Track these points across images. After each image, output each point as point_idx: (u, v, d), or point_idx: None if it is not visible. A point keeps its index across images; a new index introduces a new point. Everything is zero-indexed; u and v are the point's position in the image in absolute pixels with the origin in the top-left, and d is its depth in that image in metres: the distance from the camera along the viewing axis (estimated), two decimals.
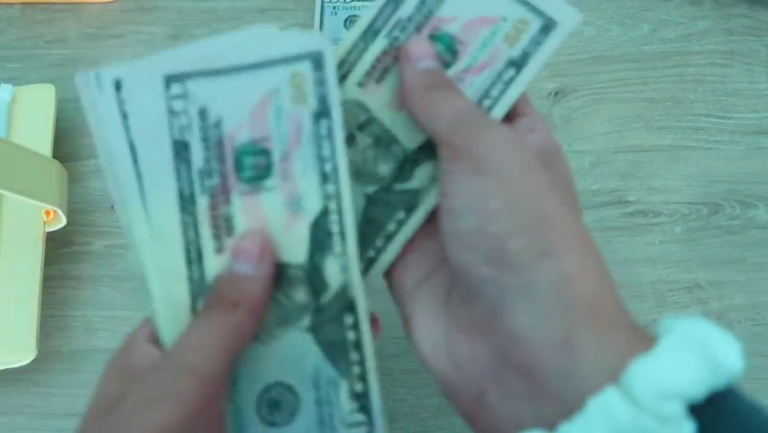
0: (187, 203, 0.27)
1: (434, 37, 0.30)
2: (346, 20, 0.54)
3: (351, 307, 0.28)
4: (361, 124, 0.30)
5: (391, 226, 0.30)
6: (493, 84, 0.29)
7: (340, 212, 0.28)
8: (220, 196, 0.27)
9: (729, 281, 0.45)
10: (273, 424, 0.28)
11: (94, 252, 0.46)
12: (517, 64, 0.30)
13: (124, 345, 0.28)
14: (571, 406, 0.22)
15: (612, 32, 0.54)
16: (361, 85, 0.30)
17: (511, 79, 0.29)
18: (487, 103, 0.29)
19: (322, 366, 0.28)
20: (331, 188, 0.28)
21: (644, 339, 0.22)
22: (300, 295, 0.28)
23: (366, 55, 0.30)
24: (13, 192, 0.38)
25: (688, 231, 0.47)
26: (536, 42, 0.30)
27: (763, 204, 0.47)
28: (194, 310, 0.28)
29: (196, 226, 0.27)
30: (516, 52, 0.29)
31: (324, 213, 0.28)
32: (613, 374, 0.21)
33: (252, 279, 0.27)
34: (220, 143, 0.27)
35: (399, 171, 0.30)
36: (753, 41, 0.53)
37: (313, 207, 0.28)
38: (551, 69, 0.52)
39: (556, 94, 0.51)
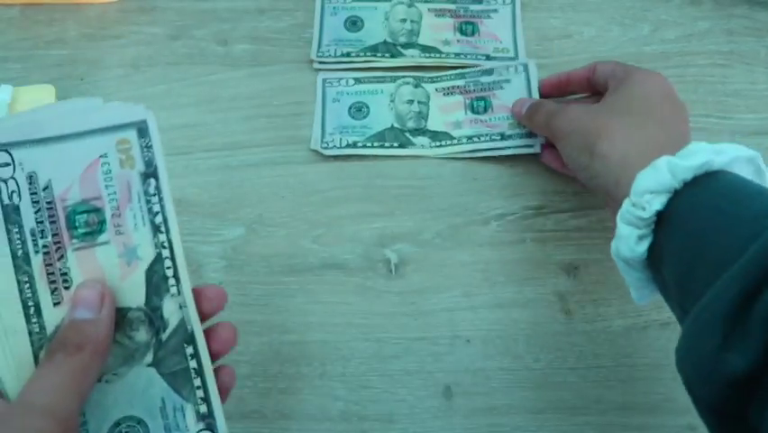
0: (21, 262, 0.29)
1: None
2: (346, 20, 0.54)
3: (190, 338, 0.32)
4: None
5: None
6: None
7: (172, 257, 0.31)
8: (54, 253, 0.30)
9: None
10: None
11: None
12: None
13: None
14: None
15: (612, 33, 0.54)
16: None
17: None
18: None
19: (167, 395, 0.32)
20: (162, 237, 0.31)
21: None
22: (142, 334, 0.31)
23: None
24: None
25: None
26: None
27: None
28: (36, 361, 0.30)
29: (32, 283, 0.30)
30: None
31: (158, 259, 0.31)
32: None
33: (94, 322, 0.29)
34: (50, 204, 0.30)
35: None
36: (753, 41, 0.53)
37: (147, 255, 0.31)
38: (551, 69, 0.52)
39: None
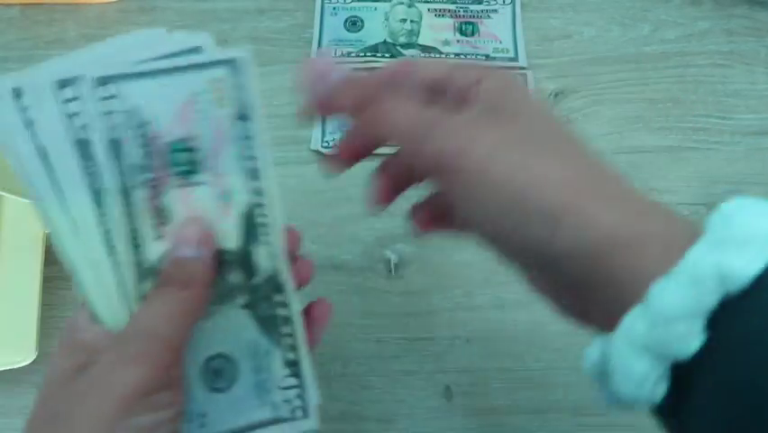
0: (124, 196, 0.29)
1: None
2: (346, 20, 0.54)
3: (280, 287, 0.31)
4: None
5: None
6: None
7: (266, 206, 0.31)
8: (155, 188, 0.30)
9: None
10: (216, 389, 0.31)
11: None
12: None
13: (69, 326, 0.30)
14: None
15: (612, 33, 0.54)
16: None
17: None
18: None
19: (257, 338, 0.32)
20: (256, 183, 0.30)
21: (670, 251, 0.23)
22: (235, 276, 0.31)
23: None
24: (13, 193, 0.39)
25: None
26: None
27: None
28: (137, 295, 0.30)
29: (134, 218, 0.30)
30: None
31: (251, 206, 0.30)
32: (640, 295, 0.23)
33: (198, 261, 0.29)
34: (150, 140, 0.29)
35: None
36: (753, 41, 0.53)
37: (241, 199, 0.30)
38: (551, 69, 0.52)
39: (556, 95, 0.51)
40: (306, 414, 0.33)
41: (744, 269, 0.21)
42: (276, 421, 0.32)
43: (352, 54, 0.52)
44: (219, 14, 0.55)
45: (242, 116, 0.30)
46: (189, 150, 0.30)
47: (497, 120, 0.26)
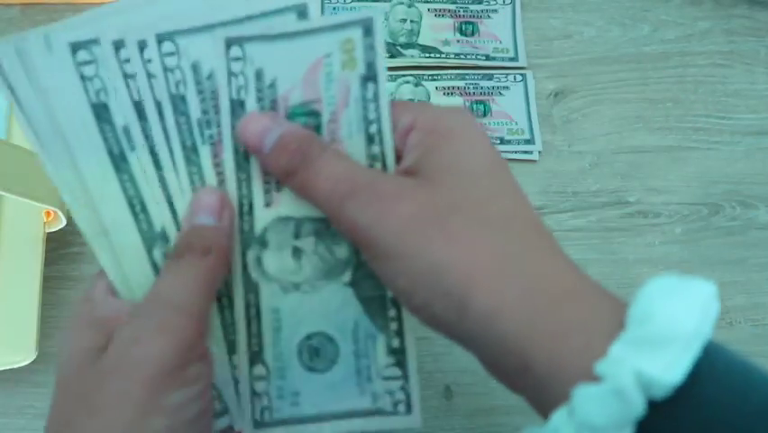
0: (242, 159, 0.29)
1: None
2: None
3: None
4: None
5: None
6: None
7: (385, 167, 0.29)
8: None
9: (729, 282, 0.45)
10: (312, 369, 0.29)
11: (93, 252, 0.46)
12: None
13: (85, 301, 0.28)
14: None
15: (612, 33, 0.54)
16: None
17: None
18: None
19: (361, 320, 0.29)
20: (376, 149, 0.29)
21: (590, 348, 0.22)
22: (343, 250, 0.29)
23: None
24: (13, 193, 0.38)
25: (688, 232, 0.47)
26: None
27: (763, 205, 0.47)
28: (152, 259, 0.29)
29: (249, 183, 0.29)
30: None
31: None
32: (565, 394, 0.22)
33: (218, 229, 0.28)
34: (274, 103, 0.28)
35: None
36: (753, 41, 0.53)
37: None
38: (551, 69, 0.52)
39: (556, 95, 0.51)
40: (409, 409, 0.29)
41: (664, 377, 0.20)
42: (376, 413, 0.29)
43: None
44: None
45: (369, 77, 0.29)
46: (309, 114, 0.29)
47: (419, 184, 0.26)
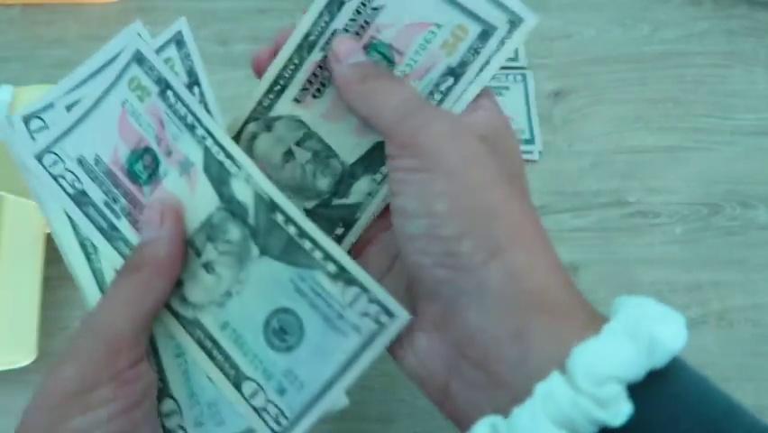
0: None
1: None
2: None
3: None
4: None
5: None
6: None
7: (217, 143, 0.29)
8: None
9: (729, 282, 0.45)
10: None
11: None
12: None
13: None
14: (522, 393, 0.22)
15: (612, 33, 0.54)
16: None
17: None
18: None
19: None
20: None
21: (596, 324, 0.23)
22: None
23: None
24: (13, 193, 0.39)
25: (688, 232, 0.47)
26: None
27: (763, 205, 0.47)
28: None
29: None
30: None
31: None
32: (559, 361, 0.22)
33: (153, 242, 0.29)
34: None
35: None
36: (753, 41, 0.53)
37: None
38: (551, 69, 0.52)
39: (556, 94, 0.51)
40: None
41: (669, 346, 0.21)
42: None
43: None
44: (219, 14, 0.55)
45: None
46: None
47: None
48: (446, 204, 0.24)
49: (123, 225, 0.31)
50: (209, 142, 0.30)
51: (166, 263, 0.28)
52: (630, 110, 0.50)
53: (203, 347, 0.29)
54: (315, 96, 0.30)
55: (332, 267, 0.27)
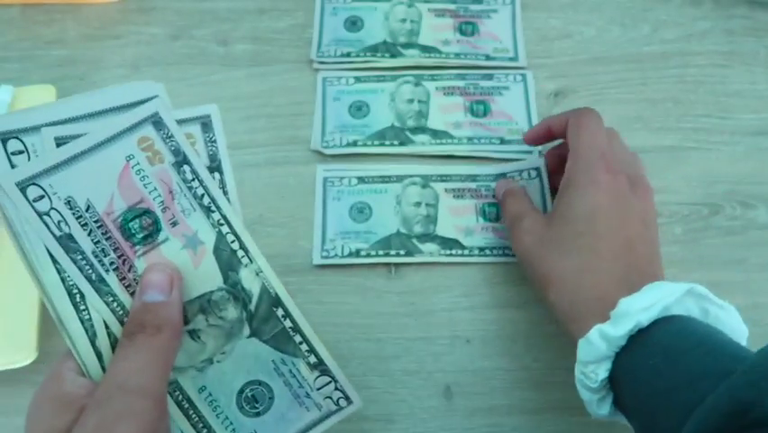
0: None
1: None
2: (346, 20, 0.54)
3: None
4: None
5: None
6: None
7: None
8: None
9: (729, 282, 0.45)
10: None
11: None
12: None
13: (52, 377, 0.30)
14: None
15: (612, 33, 0.54)
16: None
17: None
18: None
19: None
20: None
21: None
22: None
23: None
24: None
25: (688, 232, 0.47)
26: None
27: (763, 205, 0.47)
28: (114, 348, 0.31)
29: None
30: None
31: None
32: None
33: (168, 304, 0.30)
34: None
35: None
36: (753, 41, 0.53)
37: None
38: (551, 69, 0.52)
39: (556, 94, 0.51)
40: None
41: (616, 333, 0.33)
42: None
43: (352, 54, 0.52)
44: (219, 14, 0.55)
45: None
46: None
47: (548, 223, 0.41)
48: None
49: (112, 280, 0.30)
50: (225, 228, 0.32)
51: (180, 326, 0.30)
52: (630, 110, 0.50)
53: (180, 407, 0.32)
54: None
55: (313, 359, 0.34)
